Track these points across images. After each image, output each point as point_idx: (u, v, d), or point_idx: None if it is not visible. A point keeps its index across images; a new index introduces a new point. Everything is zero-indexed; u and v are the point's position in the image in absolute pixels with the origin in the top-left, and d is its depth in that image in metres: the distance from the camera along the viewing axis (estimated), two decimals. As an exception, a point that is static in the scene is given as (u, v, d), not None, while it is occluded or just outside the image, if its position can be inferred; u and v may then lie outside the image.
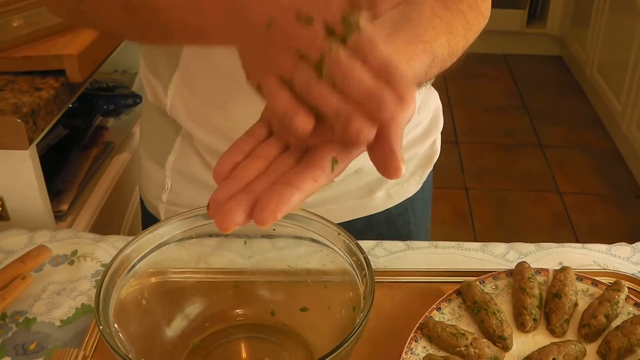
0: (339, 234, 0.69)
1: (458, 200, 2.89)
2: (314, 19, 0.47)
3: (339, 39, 0.47)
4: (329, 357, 0.55)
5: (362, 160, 0.94)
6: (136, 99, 1.69)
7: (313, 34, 0.47)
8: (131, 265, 0.68)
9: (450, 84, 3.71)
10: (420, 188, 1.02)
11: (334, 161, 0.49)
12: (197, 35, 0.58)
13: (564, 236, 2.66)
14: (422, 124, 0.98)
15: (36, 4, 1.20)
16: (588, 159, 3.20)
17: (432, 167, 1.02)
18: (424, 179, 1.02)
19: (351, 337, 0.58)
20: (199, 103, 0.84)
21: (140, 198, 1.04)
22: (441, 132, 1.02)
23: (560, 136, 3.39)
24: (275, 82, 0.48)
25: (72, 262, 0.87)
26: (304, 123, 0.46)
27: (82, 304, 0.80)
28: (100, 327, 0.59)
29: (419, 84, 0.69)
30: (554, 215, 2.83)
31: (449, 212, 2.80)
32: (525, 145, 3.33)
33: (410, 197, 1.01)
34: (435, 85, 1.01)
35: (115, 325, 0.62)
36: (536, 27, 4.18)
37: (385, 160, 0.48)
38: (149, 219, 1.00)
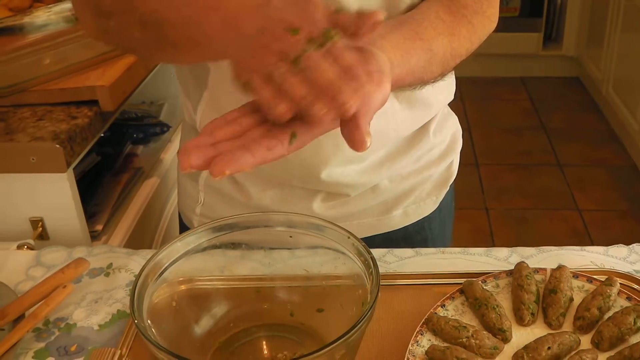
0: (349, 237, 0.75)
1: (479, 221, 2.92)
2: (300, 30, 0.56)
3: (317, 45, 0.56)
4: (340, 340, 0.62)
5: (379, 179, 1.00)
6: (163, 127, 1.77)
7: (297, 40, 0.56)
8: (162, 269, 0.75)
9: (468, 107, 3.77)
10: (437, 207, 1.06)
11: (293, 135, 0.59)
12: (198, 48, 0.65)
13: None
14: (438, 147, 1.02)
15: (66, 42, 1.29)
16: (606, 176, 3.22)
17: (448, 188, 1.06)
18: (440, 199, 1.06)
19: (361, 322, 0.64)
20: None
21: (179, 211, 1.12)
22: (461, 155, 1.07)
23: (578, 154, 3.41)
24: (260, 79, 0.57)
25: (107, 274, 0.94)
26: (282, 113, 0.56)
27: (118, 310, 0.87)
28: (136, 321, 0.66)
29: (419, 79, 0.76)
30: (573, 232, 2.84)
31: (470, 232, 2.84)
32: (543, 164, 3.35)
33: (427, 216, 1.05)
34: (453, 108, 1.06)
35: (149, 321, 0.69)
36: (552, 50, 4.20)
37: (350, 132, 0.57)
38: (185, 231, 1.08)
